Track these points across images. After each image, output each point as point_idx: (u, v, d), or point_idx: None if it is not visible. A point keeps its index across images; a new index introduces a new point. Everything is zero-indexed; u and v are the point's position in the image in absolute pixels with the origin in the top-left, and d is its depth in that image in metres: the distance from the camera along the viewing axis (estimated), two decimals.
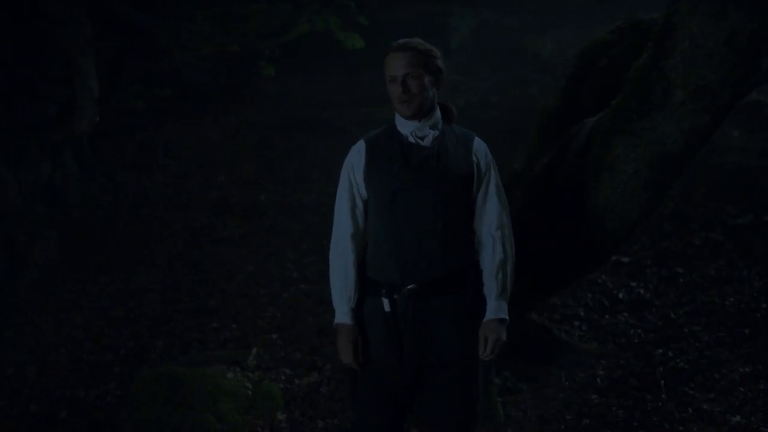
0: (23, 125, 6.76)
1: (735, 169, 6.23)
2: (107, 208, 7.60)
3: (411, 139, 2.60)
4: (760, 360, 3.96)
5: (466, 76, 10.63)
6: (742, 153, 6.53)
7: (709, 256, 5.27)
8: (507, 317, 2.58)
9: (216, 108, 9.78)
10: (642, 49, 3.18)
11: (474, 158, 2.61)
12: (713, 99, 2.88)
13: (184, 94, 9.11)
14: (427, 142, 2.60)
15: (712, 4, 2.79)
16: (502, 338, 2.56)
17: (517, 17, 12.32)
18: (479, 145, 2.65)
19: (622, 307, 4.96)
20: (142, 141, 8.70)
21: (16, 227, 6.44)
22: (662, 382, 3.97)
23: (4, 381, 4.98)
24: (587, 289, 5.19)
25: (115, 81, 7.16)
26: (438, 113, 2.63)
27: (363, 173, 2.62)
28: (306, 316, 5.51)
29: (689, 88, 2.88)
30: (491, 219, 2.60)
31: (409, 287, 2.53)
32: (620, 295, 5.08)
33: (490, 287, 2.58)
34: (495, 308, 2.56)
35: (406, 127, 2.61)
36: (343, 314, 2.62)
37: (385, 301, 2.55)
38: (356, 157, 2.65)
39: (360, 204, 2.65)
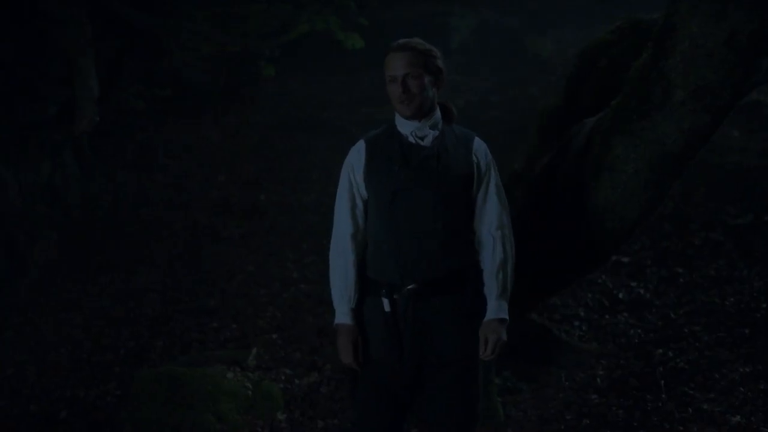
0: (23, 125, 6.76)
1: (735, 169, 6.23)
2: (107, 208, 7.60)
3: (411, 139, 2.60)
4: (760, 360, 3.96)
5: (466, 76, 10.63)
6: (742, 153, 6.53)
7: (709, 256, 5.27)
8: (507, 317, 2.58)
9: (216, 108, 9.78)
10: (642, 49, 3.18)
11: (474, 158, 2.61)
12: (713, 99, 2.88)
13: (184, 94, 9.11)
14: (427, 142, 2.60)
15: (712, 4, 2.79)
16: (502, 338, 2.56)
17: (517, 17, 12.32)
18: (479, 145, 2.65)
19: (622, 307, 4.96)
20: (142, 141, 8.69)
21: (16, 227, 6.44)
22: (662, 382, 3.97)
23: (4, 381, 4.98)
24: (587, 289, 5.19)
25: (115, 81, 7.16)
26: (438, 113, 2.63)
27: (363, 173, 2.62)
28: (306, 316, 5.51)
29: (689, 88, 2.88)
30: (491, 219, 2.60)
31: (409, 287, 2.53)
32: (620, 295, 5.08)
33: (491, 287, 2.58)
34: (495, 308, 2.56)
35: (406, 127, 2.61)
36: (343, 314, 2.62)
37: (385, 301, 2.55)
38: (356, 157, 2.65)
39: (360, 204, 2.65)
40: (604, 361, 4.38)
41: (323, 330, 5.10)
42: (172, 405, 3.99)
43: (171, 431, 3.93)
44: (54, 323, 5.75)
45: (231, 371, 4.36)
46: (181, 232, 7.20)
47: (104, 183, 7.83)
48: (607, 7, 9.96)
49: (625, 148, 3.11)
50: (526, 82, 10.29)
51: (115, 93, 7.32)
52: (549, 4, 12.28)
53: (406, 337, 2.54)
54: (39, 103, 6.95)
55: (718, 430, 3.49)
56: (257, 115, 9.96)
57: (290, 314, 5.59)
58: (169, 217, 7.49)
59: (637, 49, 3.31)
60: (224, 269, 6.42)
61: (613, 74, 3.51)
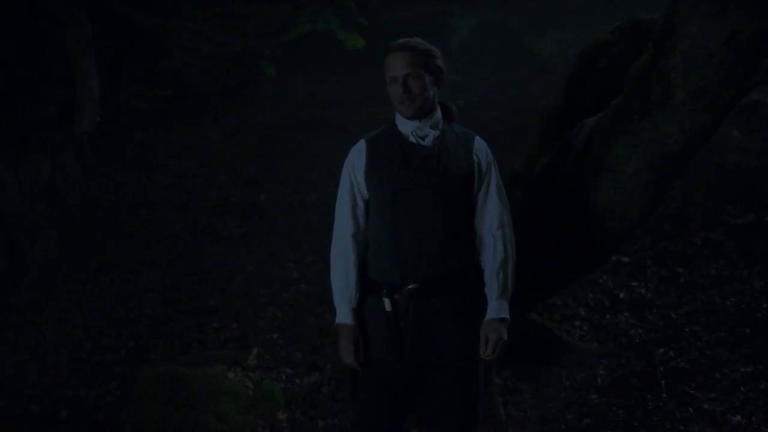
0: (23, 125, 6.77)
1: (735, 169, 6.23)
2: (107, 208, 7.61)
3: (412, 139, 2.60)
4: (761, 360, 3.96)
5: (466, 76, 10.63)
6: (742, 153, 6.52)
7: (709, 256, 5.27)
8: (508, 317, 2.58)
9: (216, 108, 9.78)
10: (642, 49, 3.18)
11: (474, 158, 2.61)
12: (714, 99, 2.88)
13: (184, 94, 9.11)
14: (427, 142, 2.60)
15: (712, 4, 2.79)
16: (503, 338, 2.56)
17: (517, 17, 12.31)
18: (480, 145, 2.65)
19: (623, 307, 4.96)
20: (142, 141, 8.70)
21: (16, 227, 6.44)
22: (663, 381, 3.97)
23: (5, 381, 4.98)
24: (588, 288, 5.19)
25: (115, 81, 7.16)
26: (438, 113, 2.63)
27: (364, 173, 2.62)
28: (306, 316, 5.51)
29: (690, 88, 2.88)
30: (492, 218, 2.60)
31: (409, 287, 2.53)
32: (621, 295, 5.09)
33: (491, 287, 2.58)
34: (496, 308, 2.56)
35: (406, 126, 2.61)
36: (344, 314, 2.62)
37: (386, 301, 2.55)
38: (357, 156, 2.65)
39: (361, 204, 2.65)
40: (605, 360, 4.38)
41: (324, 330, 5.10)
42: (174, 405, 3.99)
43: (172, 431, 3.94)
44: (54, 323, 5.76)
45: (232, 371, 4.37)
46: (181, 232, 7.20)
47: (104, 183, 7.84)
48: (607, 7, 9.96)
49: (625, 148, 3.11)
50: (526, 82, 10.29)
51: (116, 93, 7.32)
52: (549, 4, 12.27)
53: (406, 337, 2.54)
54: (39, 103, 6.95)
55: (719, 429, 3.49)
56: (257, 115, 9.96)
57: (291, 314, 5.59)
58: (169, 217, 7.49)
59: (637, 49, 3.31)
60: (224, 269, 6.42)
61: (613, 74, 3.50)
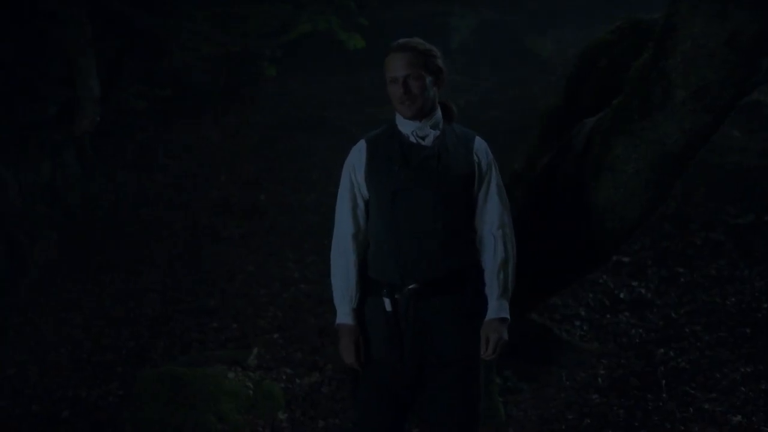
0: (23, 125, 6.77)
1: (735, 169, 6.23)
2: (107, 208, 7.61)
3: (412, 139, 2.60)
4: (761, 360, 3.96)
5: (466, 76, 10.63)
6: (742, 153, 6.52)
7: (709, 256, 5.27)
8: (508, 317, 2.58)
9: (216, 108, 9.78)
10: (642, 49, 3.18)
11: (475, 158, 2.61)
12: (714, 99, 2.88)
13: (184, 94, 9.12)
14: (428, 142, 2.60)
15: (712, 5, 2.78)
16: (503, 338, 2.56)
17: (517, 17, 12.31)
18: (480, 145, 2.65)
19: (623, 307, 4.96)
20: (142, 141, 8.70)
21: (16, 227, 6.44)
22: (663, 381, 3.97)
23: (5, 381, 4.98)
24: (588, 288, 5.19)
25: (115, 81, 7.16)
26: (439, 113, 2.63)
27: (364, 173, 2.62)
28: (307, 316, 5.51)
29: (690, 88, 2.88)
30: (492, 218, 2.60)
31: (409, 287, 2.53)
32: (621, 295, 5.09)
33: (492, 287, 2.58)
34: (496, 308, 2.56)
35: (406, 126, 2.61)
36: (344, 314, 2.62)
37: (387, 301, 2.55)
38: (357, 156, 2.65)
39: (361, 204, 2.65)
40: (605, 360, 4.38)
41: (324, 330, 5.10)
42: (174, 405, 3.99)
43: (173, 431, 3.94)
44: (54, 323, 5.76)
45: (232, 371, 4.37)
46: (181, 232, 7.20)
47: (104, 183, 7.84)
48: (607, 7, 9.96)
49: (625, 148, 3.11)
50: (526, 82, 10.28)
51: (116, 93, 7.32)
52: (549, 4, 12.26)
53: (407, 337, 2.54)
54: (39, 103, 6.95)
55: (719, 429, 3.49)
56: (257, 115, 9.96)
57: (291, 314, 5.59)
58: (169, 217, 7.49)
59: (637, 49, 3.31)
60: (224, 269, 6.42)
61: (613, 74, 3.50)
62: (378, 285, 2.58)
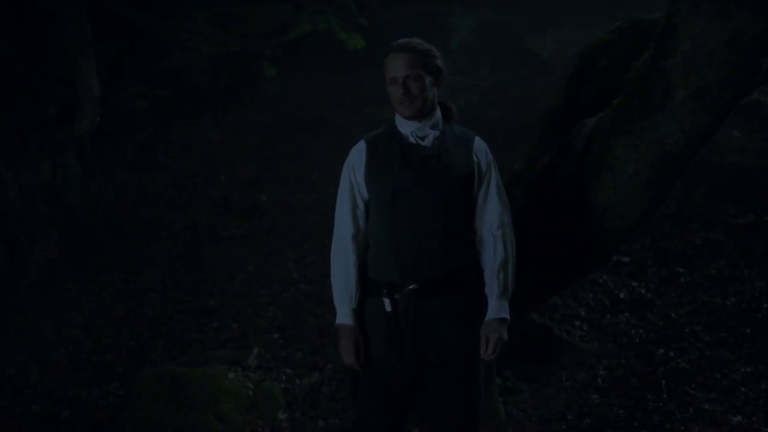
0: (23, 125, 6.77)
1: (735, 169, 6.23)
2: (107, 208, 7.61)
3: (411, 139, 2.60)
4: (761, 360, 3.96)
5: (466, 76, 10.62)
6: (742, 153, 6.52)
7: (709, 256, 5.27)
8: (508, 317, 2.58)
9: (216, 108, 9.78)
10: (642, 49, 3.17)
11: (474, 158, 2.61)
12: (714, 99, 2.88)
13: (184, 94, 9.12)
14: (427, 142, 2.60)
15: (712, 5, 2.78)
16: (503, 338, 2.56)
17: (517, 17, 12.31)
18: (479, 145, 2.65)
19: (623, 307, 4.96)
20: (142, 141, 8.70)
21: (16, 227, 6.44)
22: (663, 382, 3.97)
23: (5, 381, 4.98)
24: (588, 288, 5.19)
25: (115, 81, 7.17)
26: (438, 113, 2.63)
27: (364, 173, 2.62)
28: (307, 316, 5.51)
29: (690, 88, 2.88)
30: (492, 218, 2.60)
31: (409, 287, 2.53)
32: (621, 295, 5.09)
33: (492, 287, 2.58)
34: (496, 308, 2.56)
35: (406, 127, 2.61)
36: (344, 315, 2.62)
37: (387, 301, 2.55)
38: (357, 157, 2.65)
39: (361, 204, 2.65)
40: (605, 360, 4.38)
41: (324, 330, 5.10)
42: (174, 405, 3.99)
43: (173, 431, 3.94)
44: (54, 323, 5.76)
45: (232, 371, 4.37)
46: (181, 232, 7.20)
47: (104, 183, 7.84)
48: (607, 7, 9.96)
49: (625, 148, 3.11)
50: (526, 82, 10.28)
51: (116, 93, 7.33)
52: (549, 4, 12.27)
53: (406, 337, 2.54)
54: (39, 103, 6.95)
55: (719, 430, 3.49)
56: (257, 115, 9.96)
57: (291, 314, 5.59)
58: (169, 217, 7.49)
59: (637, 49, 3.31)
60: (224, 269, 6.42)
61: (613, 74, 3.50)
62: (378, 285, 2.58)
